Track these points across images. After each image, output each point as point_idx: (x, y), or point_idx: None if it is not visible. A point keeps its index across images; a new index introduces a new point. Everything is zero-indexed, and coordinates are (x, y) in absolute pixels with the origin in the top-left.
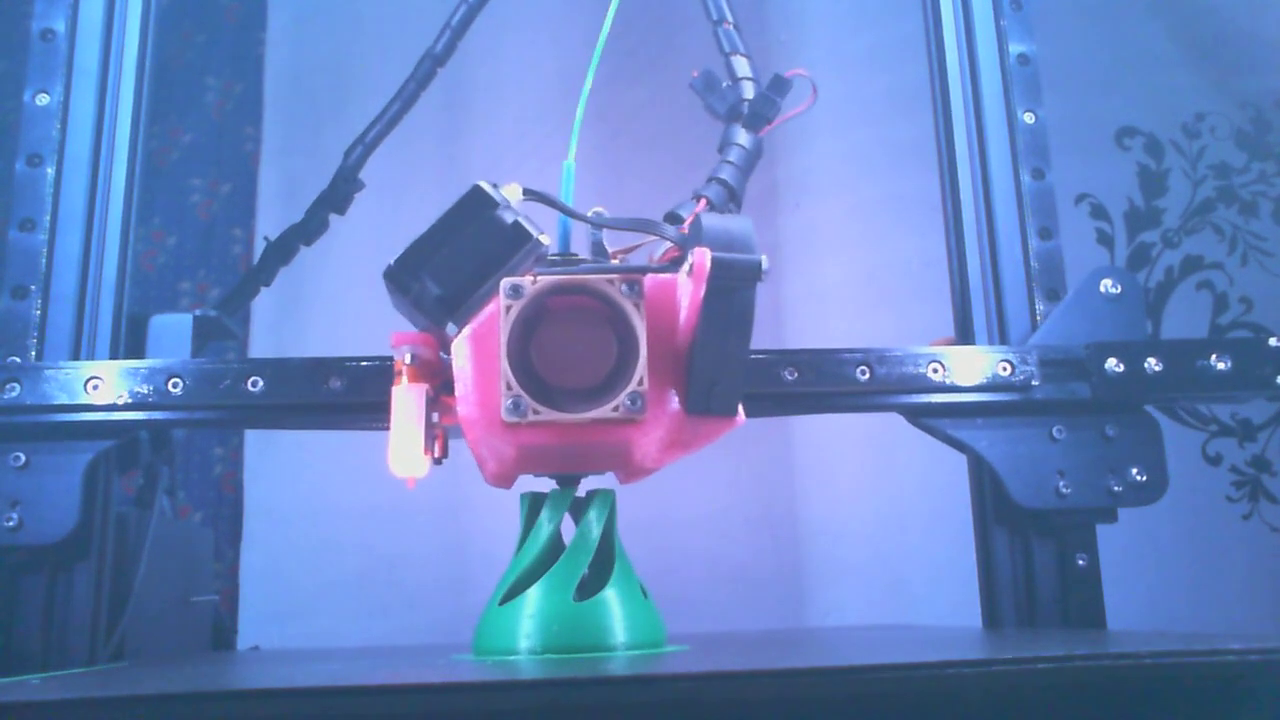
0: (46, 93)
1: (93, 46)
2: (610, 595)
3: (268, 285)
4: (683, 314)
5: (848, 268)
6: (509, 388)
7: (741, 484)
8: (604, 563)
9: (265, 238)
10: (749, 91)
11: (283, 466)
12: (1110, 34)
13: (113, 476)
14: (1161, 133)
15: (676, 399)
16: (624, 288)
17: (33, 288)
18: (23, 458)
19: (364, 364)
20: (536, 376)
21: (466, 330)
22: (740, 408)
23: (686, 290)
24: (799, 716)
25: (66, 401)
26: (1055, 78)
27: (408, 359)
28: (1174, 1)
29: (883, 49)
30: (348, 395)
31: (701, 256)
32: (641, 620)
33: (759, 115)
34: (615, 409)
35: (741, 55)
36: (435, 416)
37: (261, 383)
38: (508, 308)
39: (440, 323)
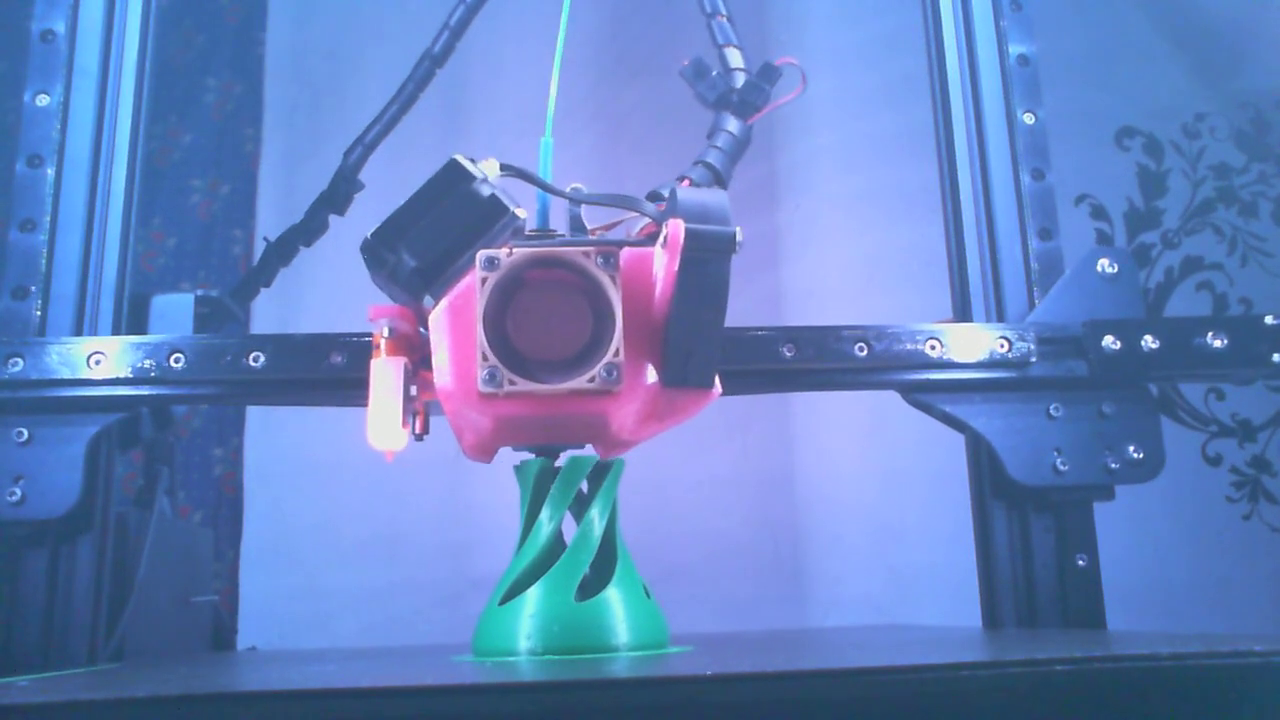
0: (46, 93)
1: (93, 47)
2: (612, 595)
3: (268, 286)
4: (659, 287)
5: (846, 259)
6: (485, 359)
7: (741, 459)
8: (606, 562)
9: (265, 238)
10: (739, 81)
11: (284, 438)
12: (1110, 34)
13: (115, 452)
14: (1161, 133)
15: (653, 371)
16: (599, 260)
17: (33, 288)
18: (25, 432)
19: (366, 339)
20: (513, 348)
21: (443, 303)
22: (717, 380)
23: (662, 262)
24: (804, 719)
25: (69, 376)
26: (1055, 77)
27: (386, 332)
28: (1174, 1)
29: (880, 42)
30: (349, 370)
31: (676, 228)
32: (644, 621)
33: (748, 103)
34: (591, 380)
35: (734, 47)
36: (414, 390)
37: (263, 358)
38: (483, 279)
39: (417, 295)
